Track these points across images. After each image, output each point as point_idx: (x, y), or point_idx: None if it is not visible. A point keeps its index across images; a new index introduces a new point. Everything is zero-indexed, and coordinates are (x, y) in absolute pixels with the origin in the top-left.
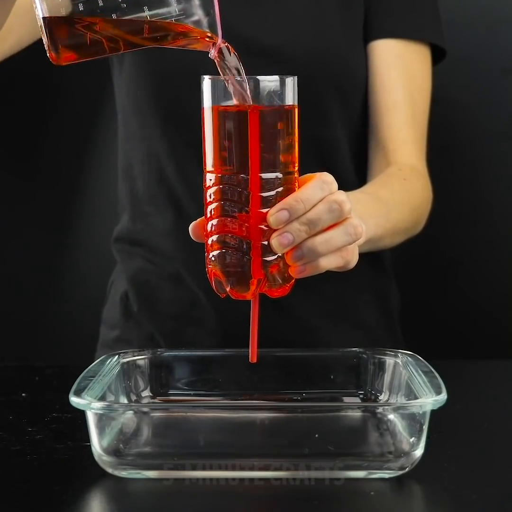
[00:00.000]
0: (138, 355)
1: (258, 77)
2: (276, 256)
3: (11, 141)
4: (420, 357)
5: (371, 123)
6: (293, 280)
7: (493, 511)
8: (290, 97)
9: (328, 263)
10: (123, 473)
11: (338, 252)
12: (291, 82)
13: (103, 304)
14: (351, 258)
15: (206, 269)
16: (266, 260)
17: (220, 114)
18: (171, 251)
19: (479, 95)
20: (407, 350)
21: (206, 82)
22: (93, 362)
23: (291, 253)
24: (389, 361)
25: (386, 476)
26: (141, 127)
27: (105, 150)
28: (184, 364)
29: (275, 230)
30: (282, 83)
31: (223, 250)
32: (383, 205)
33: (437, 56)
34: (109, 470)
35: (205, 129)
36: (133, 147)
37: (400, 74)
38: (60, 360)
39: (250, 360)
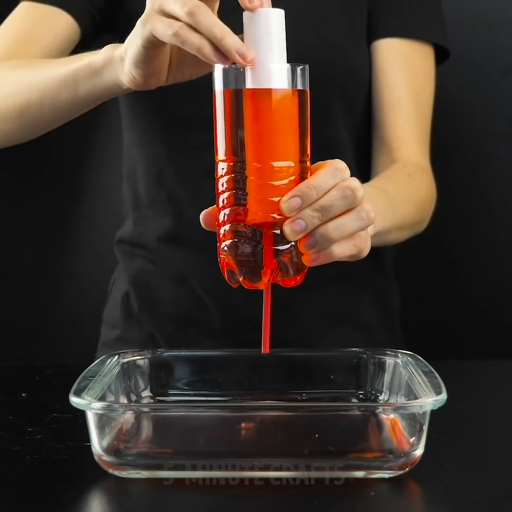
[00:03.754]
0: (138, 355)
1: (269, 65)
2: (289, 245)
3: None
4: (420, 357)
5: (374, 121)
6: (306, 270)
7: (493, 511)
8: (301, 85)
9: (341, 250)
10: (123, 473)
11: (351, 240)
12: (301, 71)
13: (104, 304)
14: (364, 246)
15: (218, 259)
16: (279, 249)
17: (232, 102)
18: (171, 254)
19: (479, 95)
20: (407, 350)
21: (218, 69)
22: (93, 362)
23: (304, 240)
24: (389, 361)
25: (386, 476)
26: (142, 132)
27: (107, 151)
28: (184, 364)
29: (288, 218)
30: (293, 72)
31: (236, 240)
32: (389, 199)
33: (441, 56)
34: (109, 470)
35: (217, 118)
36: (135, 152)
37: (403, 73)
38: (60, 360)
39: (262, 351)
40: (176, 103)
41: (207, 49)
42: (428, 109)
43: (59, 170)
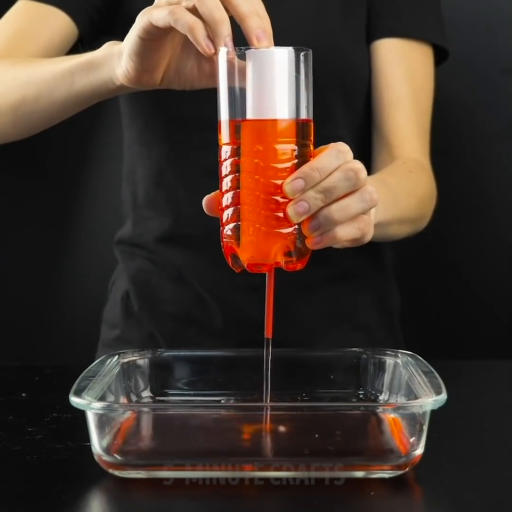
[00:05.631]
0: (138, 355)
1: (271, 48)
2: (292, 229)
3: (14, 141)
4: (420, 357)
5: (375, 119)
6: (309, 254)
7: (493, 511)
8: (303, 70)
9: (344, 233)
10: (123, 473)
11: (354, 223)
12: (303, 56)
13: (104, 304)
14: (368, 230)
15: (221, 244)
16: (283, 232)
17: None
18: (171, 254)
19: (479, 95)
20: (407, 350)
21: (222, 52)
22: (93, 362)
23: (308, 223)
24: (389, 361)
25: (386, 476)
26: (142, 131)
27: (107, 151)
28: (184, 364)
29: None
30: (297, 57)
31: (239, 223)
32: (390, 191)
33: (440, 57)
34: (109, 470)
35: (220, 101)
36: (135, 151)
37: (403, 71)
38: (60, 360)
39: (265, 336)
40: (176, 103)
41: (199, 32)
42: (427, 108)
43: (59, 170)
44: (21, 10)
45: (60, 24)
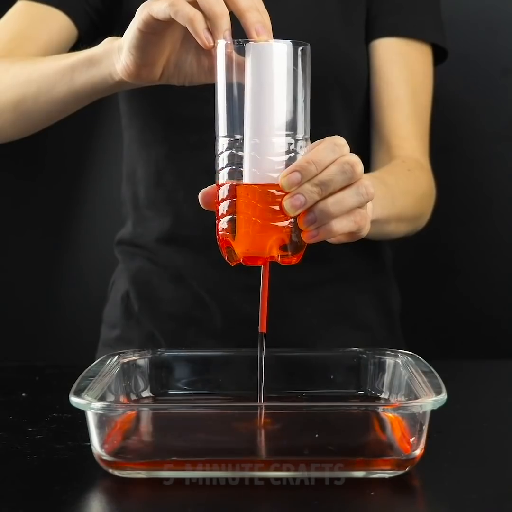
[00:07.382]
0: (138, 355)
1: (270, 41)
2: (288, 222)
3: (13, 141)
4: (420, 357)
5: (373, 119)
6: (305, 248)
7: (493, 511)
8: (301, 64)
9: (340, 227)
10: (123, 473)
11: (350, 216)
12: (302, 50)
13: (104, 304)
14: (364, 223)
15: (217, 237)
16: (278, 225)
17: (234, 76)
18: (171, 255)
19: (479, 95)
20: (407, 350)
21: (221, 45)
22: (93, 362)
23: (304, 216)
24: (389, 361)
25: (386, 476)
26: (141, 131)
27: (107, 151)
28: (184, 364)
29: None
30: (295, 51)
31: (235, 216)
32: (389, 189)
33: (439, 56)
34: (109, 470)
35: (218, 93)
36: (134, 152)
37: (402, 71)
38: (60, 360)
39: (259, 330)
40: (175, 102)
41: (199, 24)
42: (426, 107)
43: (59, 170)
44: (20, 10)
45: (59, 24)
